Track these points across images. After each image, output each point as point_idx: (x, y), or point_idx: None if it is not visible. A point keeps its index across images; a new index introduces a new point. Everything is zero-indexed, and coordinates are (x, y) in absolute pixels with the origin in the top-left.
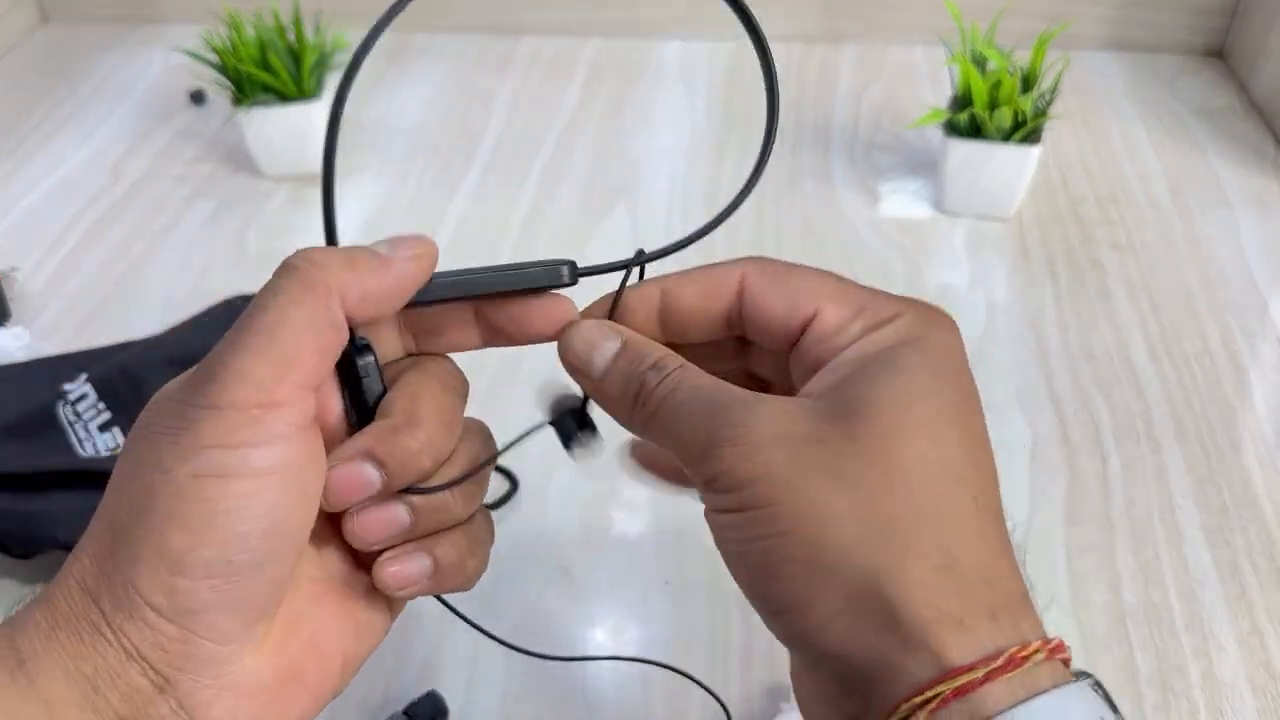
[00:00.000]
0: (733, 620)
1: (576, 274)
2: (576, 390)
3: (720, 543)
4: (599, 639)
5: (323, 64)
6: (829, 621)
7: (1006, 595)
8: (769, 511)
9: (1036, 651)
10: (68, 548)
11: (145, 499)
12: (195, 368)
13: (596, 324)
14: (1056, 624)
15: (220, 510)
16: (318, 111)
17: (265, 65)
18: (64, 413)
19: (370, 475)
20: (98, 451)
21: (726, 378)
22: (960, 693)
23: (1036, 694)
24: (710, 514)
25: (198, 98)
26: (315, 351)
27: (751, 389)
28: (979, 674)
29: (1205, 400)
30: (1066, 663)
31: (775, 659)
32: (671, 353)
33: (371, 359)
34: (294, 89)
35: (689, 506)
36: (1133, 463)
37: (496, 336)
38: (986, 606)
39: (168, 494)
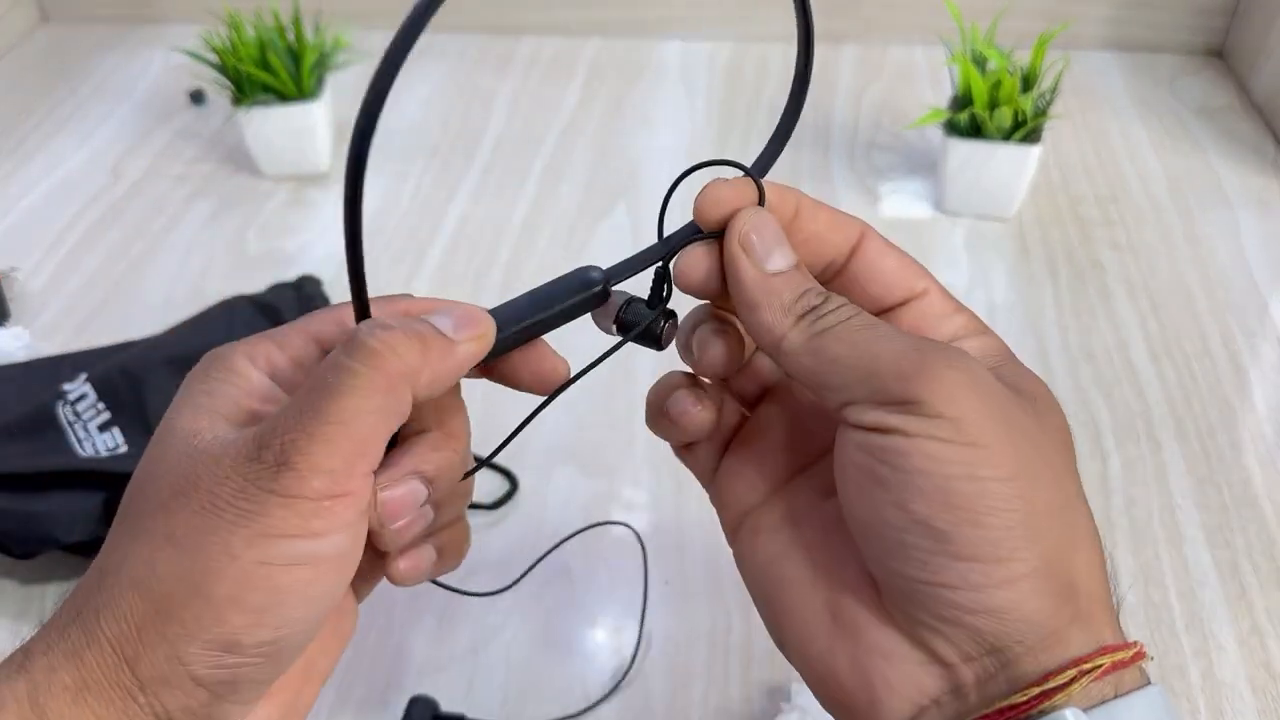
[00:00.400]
0: (733, 620)
1: (607, 286)
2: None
3: (894, 467)
4: (599, 638)
5: (323, 64)
6: (1019, 579)
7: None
8: (990, 452)
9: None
10: (67, 548)
11: (205, 579)
12: (258, 437)
13: (778, 222)
14: None
15: (283, 597)
16: (317, 111)
17: (265, 65)
18: (63, 413)
19: (420, 492)
20: (97, 451)
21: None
22: (1115, 667)
23: (1149, 684)
24: (889, 437)
25: (197, 98)
26: (384, 440)
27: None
28: (1127, 654)
29: (1205, 400)
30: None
31: (775, 659)
32: None
33: None
34: (294, 89)
35: (689, 506)
36: (1133, 463)
37: (486, 374)
38: (1114, 600)
39: (233, 579)
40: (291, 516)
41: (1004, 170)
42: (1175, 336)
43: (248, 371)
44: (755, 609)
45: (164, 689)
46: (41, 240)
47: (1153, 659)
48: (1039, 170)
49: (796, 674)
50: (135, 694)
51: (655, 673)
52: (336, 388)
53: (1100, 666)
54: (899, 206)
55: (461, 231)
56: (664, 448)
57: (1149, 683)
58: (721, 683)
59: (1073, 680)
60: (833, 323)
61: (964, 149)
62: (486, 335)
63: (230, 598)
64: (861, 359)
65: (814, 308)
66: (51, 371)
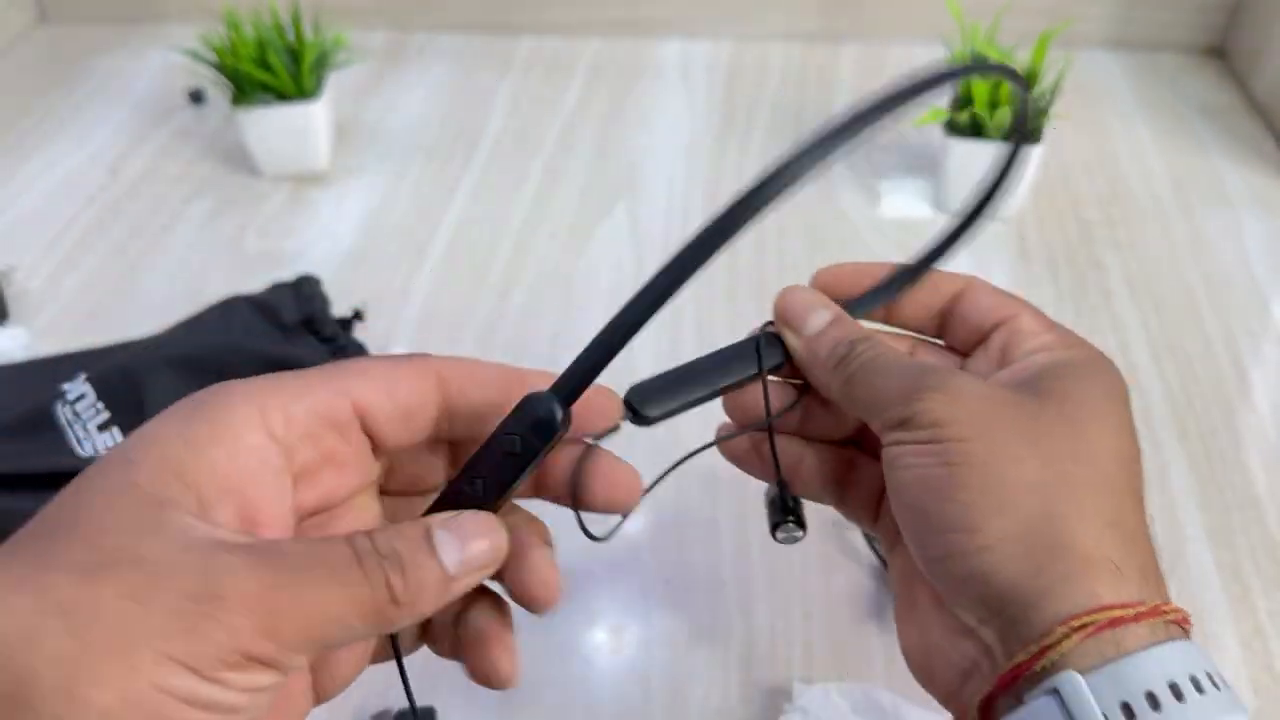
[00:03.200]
0: (733, 620)
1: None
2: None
3: (898, 469)
4: (599, 639)
5: (322, 63)
6: (996, 544)
7: (1155, 564)
8: (961, 445)
9: (1175, 611)
10: None
11: (87, 676)
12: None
13: (813, 291)
14: None
15: None
16: (317, 111)
17: (264, 64)
18: (62, 412)
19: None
20: (97, 451)
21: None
22: (1113, 624)
23: (1171, 639)
24: (894, 447)
25: (196, 97)
26: (345, 645)
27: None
28: (1130, 612)
29: (1207, 401)
30: (1188, 634)
31: (775, 659)
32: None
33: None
34: (293, 88)
35: (690, 506)
36: None
37: (546, 492)
38: (1140, 565)
39: (118, 692)
40: (215, 653)
41: None
42: (1177, 337)
43: (248, 434)
44: (756, 609)
45: None
46: (40, 240)
47: (1170, 615)
48: (1039, 170)
49: (799, 674)
50: None
51: (655, 673)
52: (325, 581)
53: (1090, 624)
54: (899, 206)
55: (460, 232)
56: (664, 447)
57: (1170, 638)
58: (722, 683)
59: (1063, 639)
60: (854, 367)
61: (964, 149)
62: (491, 563)
63: (105, 713)
64: (876, 392)
65: (843, 357)
66: (50, 371)
